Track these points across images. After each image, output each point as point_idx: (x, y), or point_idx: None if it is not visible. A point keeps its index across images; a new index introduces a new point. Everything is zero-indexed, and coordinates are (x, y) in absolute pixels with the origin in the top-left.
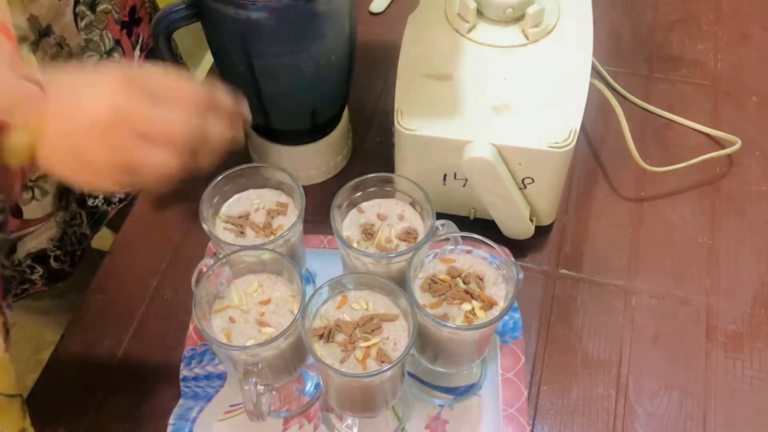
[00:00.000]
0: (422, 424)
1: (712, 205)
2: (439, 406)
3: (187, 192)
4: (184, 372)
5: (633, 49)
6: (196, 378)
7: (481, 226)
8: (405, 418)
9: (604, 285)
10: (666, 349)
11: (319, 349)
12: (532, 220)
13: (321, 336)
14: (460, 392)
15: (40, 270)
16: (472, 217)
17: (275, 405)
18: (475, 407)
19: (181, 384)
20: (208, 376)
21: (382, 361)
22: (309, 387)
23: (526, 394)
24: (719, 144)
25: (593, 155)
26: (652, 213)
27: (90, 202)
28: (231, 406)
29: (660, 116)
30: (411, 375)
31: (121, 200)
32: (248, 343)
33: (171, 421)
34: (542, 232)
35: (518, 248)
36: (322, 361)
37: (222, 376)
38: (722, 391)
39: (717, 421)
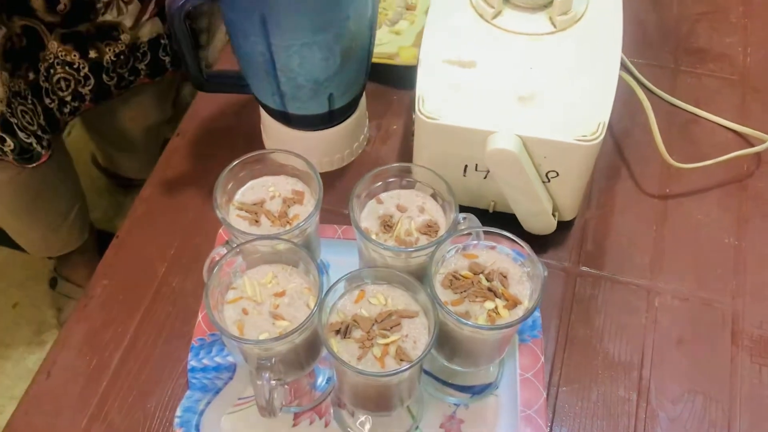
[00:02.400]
0: (437, 423)
1: (738, 205)
2: (455, 405)
3: (197, 176)
4: (192, 362)
5: (658, 40)
6: (204, 369)
7: (500, 220)
8: (419, 417)
9: (626, 284)
10: (690, 352)
11: (336, 345)
12: (554, 216)
13: (338, 331)
14: (477, 391)
15: None
16: (491, 210)
17: (286, 399)
18: (492, 407)
19: (189, 375)
20: (216, 368)
21: (401, 360)
22: (321, 381)
23: (544, 395)
24: (747, 141)
25: (617, 149)
26: (676, 211)
27: None
28: (240, 399)
29: (686, 111)
30: (426, 372)
31: None
32: (262, 337)
33: (178, 413)
34: (563, 227)
35: (538, 244)
36: (339, 358)
37: (231, 368)
38: (748, 398)
39: (742, 428)
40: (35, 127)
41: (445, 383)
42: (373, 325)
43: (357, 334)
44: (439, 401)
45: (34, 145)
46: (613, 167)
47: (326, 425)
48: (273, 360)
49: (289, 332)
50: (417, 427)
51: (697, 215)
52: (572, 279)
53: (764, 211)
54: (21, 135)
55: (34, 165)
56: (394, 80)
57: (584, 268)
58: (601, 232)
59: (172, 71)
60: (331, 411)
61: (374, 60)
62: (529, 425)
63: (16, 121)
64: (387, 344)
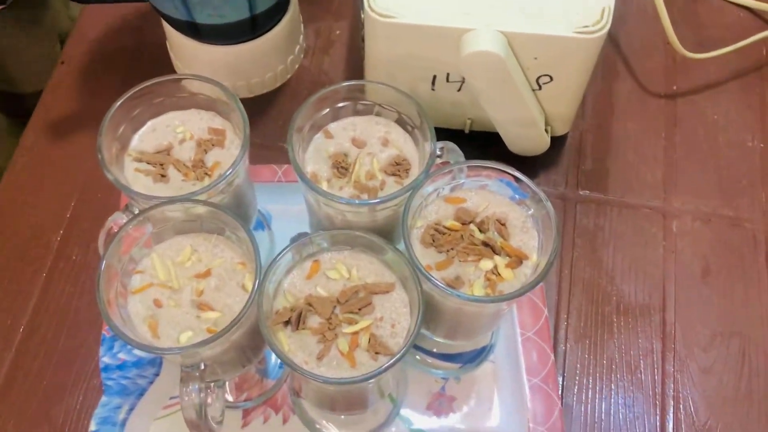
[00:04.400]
0: (422, 404)
1: (760, 98)
2: (443, 379)
3: (91, 114)
4: (105, 359)
5: None
6: (121, 366)
7: (480, 142)
8: (400, 399)
9: (637, 208)
10: (719, 285)
11: (286, 340)
12: (547, 131)
13: (287, 322)
14: (468, 359)
15: None
16: (467, 131)
17: (230, 395)
18: (489, 377)
19: (103, 375)
20: (137, 363)
21: (377, 353)
22: (273, 365)
23: (552, 357)
24: (764, 20)
25: (611, 40)
26: (688, 112)
27: None
28: (171, 398)
29: None
30: None
31: None
32: (183, 339)
33: (92, 427)
34: (555, 145)
35: (526, 167)
36: (291, 362)
37: (156, 362)
38: None
39: None
40: None
41: (429, 353)
42: (335, 307)
43: (314, 322)
44: (424, 375)
45: None
46: (609, 62)
47: (285, 421)
48: (202, 365)
49: (222, 330)
50: (398, 413)
51: (713, 115)
52: (571, 207)
53: None
54: None
55: None
56: None
57: (584, 193)
58: (600, 146)
59: None
60: (290, 401)
61: None
62: (538, 396)
63: None
64: (356, 333)
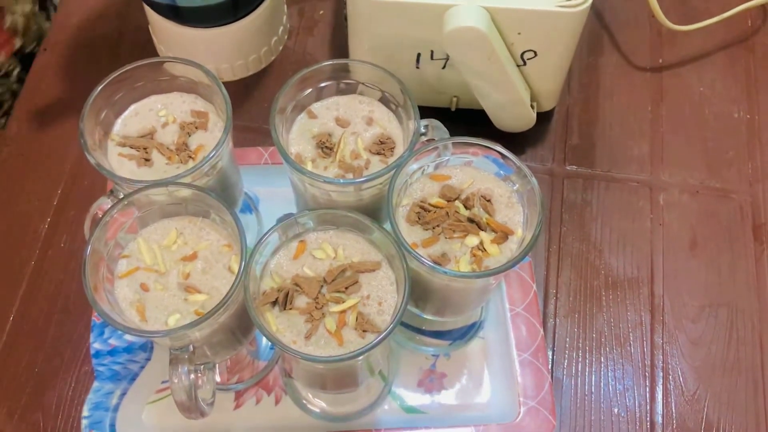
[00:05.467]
0: (413, 382)
1: (746, 69)
2: (433, 356)
3: (75, 100)
4: (96, 345)
5: None
6: (112, 352)
7: (466, 120)
8: (390, 377)
9: (624, 181)
10: (706, 256)
11: (274, 321)
12: (532, 107)
13: (274, 302)
14: (458, 336)
15: None
16: (453, 108)
17: (222, 376)
18: (479, 353)
19: (94, 362)
20: (128, 348)
21: (365, 331)
22: (264, 346)
23: (542, 332)
24: None
25: (594, 13)
26: (674, 84)
27: None
28: (163, 382)
29: None
30: None
31: None
32: (171, 321)
33: (85, 412)
34: (541, 120)
35: (513, 144)
36: (279, 342)
37: (147, 346)
38: None
39: None
40: None
41: (418, 330)
42: (322, 287)
43: (301, 302)
44: (414, 353)
45: None
46: (594, 37)
47: (277, 402)
48: (191, 347)
49: (210, 312)
50: (390, 390)
51: (699, 87)
52: (559, 182)
53: None
54: None
55: None
56: None
57: (572, 168)
58: (587, 120)
59: None
60: (282, 382)
61: None
62: (528, 371)
63: None
64: (343, 311)
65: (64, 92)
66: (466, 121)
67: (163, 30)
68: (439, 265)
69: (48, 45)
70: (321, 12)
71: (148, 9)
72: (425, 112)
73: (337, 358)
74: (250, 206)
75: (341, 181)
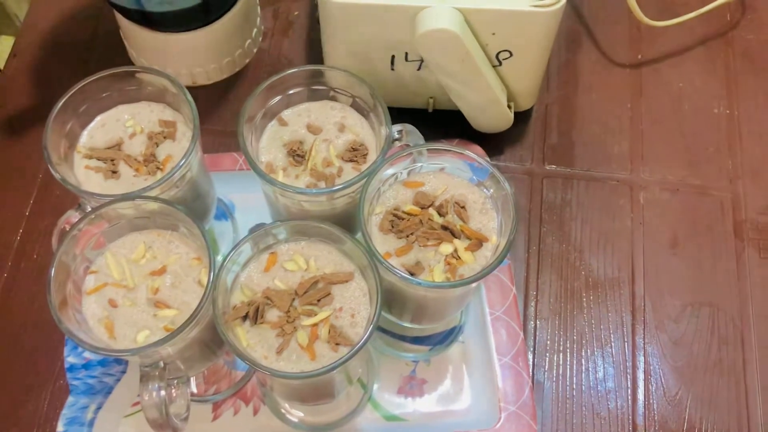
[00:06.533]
0: (393, 389)
1: (725, 64)
2: (413, 362)
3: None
4: (70, 359)
5: None
6: (87, 365)
7: (443, 121)
8: (370, 385)
9: (604, 180)
10: (687, 255)
11: (244, 336)
12: (509, 107)
13: (245, 317)
14: (438, 341)
15: None
16: (430, 110)
17: (199, 388)
18: (459, 358)
19: (68, 375)
20: (102, 362)
21: (338, 344)
22: None
23: (521, 335)
24: None
25: (573, 10)
26: (653, 80)
27: None
28: (139, 395)
29: None
30: None
31: None
32: (140, 338)
33: (60, 428)
34: (520, 120)
35: (491, 145)
36: (249, 358)
37: (121, 359)
38: (761, 303)
39: (759, 342)
40: None
41: (398, 336)
42: (294, 300)
43: (273, 316)
44: (394, 360)
45: None
46: (571, 34)
47: (255, 412)
48: (161, 363)
49: (179, 329)
50: (369, 398)
51: (678, 83)
52: (538, 182)
53: (757, 67)
54: None
55: None
56: None
57: (551, 167)
58: (565, 119)
59: None
60: (260, 393)
61: None
62: (509, 374)
63: None
64: (315, 325)
65: (35, 99)
66: (444, 123)
67: (135, 36)
68: (413, 274)
69: (17, 50)
70: (296, 13)
71: (118, 15)
72: (402, 113)
73: (309, 374)
74: (226, 213)
75: (312, 191)
